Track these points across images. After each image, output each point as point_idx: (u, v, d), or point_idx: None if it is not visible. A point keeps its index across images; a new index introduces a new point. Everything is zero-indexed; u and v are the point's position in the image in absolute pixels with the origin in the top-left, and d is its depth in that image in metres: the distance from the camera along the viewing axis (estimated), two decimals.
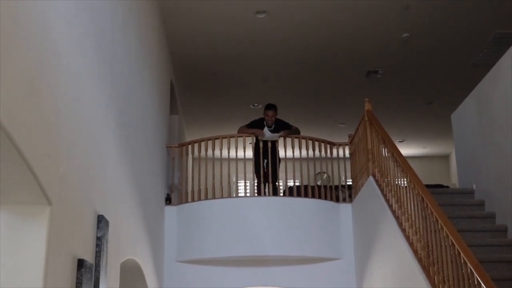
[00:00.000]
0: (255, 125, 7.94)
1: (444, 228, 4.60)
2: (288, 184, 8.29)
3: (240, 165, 7.59)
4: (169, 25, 7.56)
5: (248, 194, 8.53)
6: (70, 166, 2.95)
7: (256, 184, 7.96)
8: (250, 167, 7.81)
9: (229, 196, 7.75)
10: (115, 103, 4.21)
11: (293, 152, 7.73)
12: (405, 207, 5.55)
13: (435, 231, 4.81)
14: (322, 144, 7.91)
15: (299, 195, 7.57)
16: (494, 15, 7.37)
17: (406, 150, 12.55)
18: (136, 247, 5.13)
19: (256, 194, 7.96)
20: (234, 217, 7.28)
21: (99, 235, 3.51)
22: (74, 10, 3.07)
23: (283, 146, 7.75)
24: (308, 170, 7.71)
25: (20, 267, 2.54)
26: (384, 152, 6.37)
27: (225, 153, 7.75)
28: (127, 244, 4.66)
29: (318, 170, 7.91)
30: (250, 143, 8.00)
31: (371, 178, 6.69)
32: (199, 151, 7.73)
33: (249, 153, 7.88)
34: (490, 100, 6.76)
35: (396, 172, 5.89)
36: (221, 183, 7.64)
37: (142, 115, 5.59)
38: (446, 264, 4.57)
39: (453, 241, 4.44)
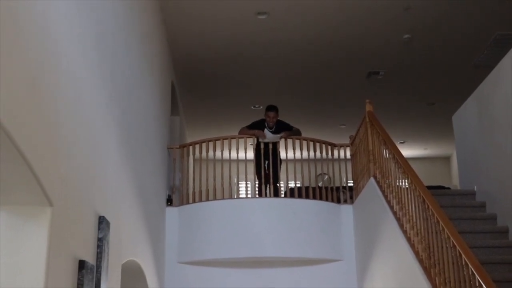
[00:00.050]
0: (256, 127, 7.94)
1: (445, 230, 4.59)
2: (289, 185, 8.28)
3: (241, 166, 7.58)
4: (170, 26, 7.57)
5: (249, 195, 8.53)
6: (71, 167, 2.95)
7: (257, 185, 7.96)
8: (251, 168, 7.80)
9: (230, 197, 7.73)
10: (116, 104, 4.20)
11: (294, 153, 7.73)
12: (406, 208, 5.54)
13: (436, 233, 4.80)
14: (323, 145, 7.90)
15: (300, 196, 7.56)
16: (495, 16, 7.36)
17: (407, 151, 12.54)
18: (137, 248, 5.13)
19: (257, 196, 7.95)
20: (235, 219, 7.27)
21: (100, 236, 3.50)
22: (75, 10, 3.07)
23: (284, 147, 7.75)
24: (309, 171, 7.70)
25: (21, 268, 2.53)
26: (385, 153, 6.36)
27: (226, 154, 7.76)
28: (128, 245, 4.65)
29: (319, 171, 7.90)
30: (251, 144, 7.99)
31: (372, 179, 6.69)
32: (200, 152, 7.73)
33: (250, 154, 7.88)
34: (491, 101, 6.75)
35: (397, 173, 5.88)
36: (222, 184, 7.64)
37: (143, 116, 5.59)
38: (448, 266, 4.56)
39: (454, 242, 4.44)
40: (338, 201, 7.72)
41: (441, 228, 4.69)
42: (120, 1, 4.43)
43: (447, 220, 4.69)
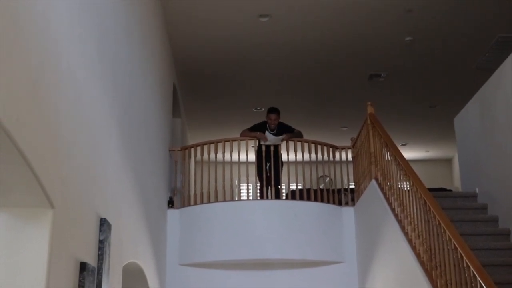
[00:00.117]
0: (258, 129, 7.94)
1: (447, 232, 4.59)
2: (291, 187, 8.27)
3: (243, 169, 7.58)
4: (172, 28, 7.57)
5: (250, 198, 8.54)
6: (72, 168, 2.95)
7: (258, 187, 7.95)
8: (253, 171, 7.80)
9: (232, 199, 7.71)
10: (117, 105, 4.20)
11: (295, 155, 7.72)
12: (408, 210, 5.53)
13: (437, 235, 4.80)
14: (325, 148, 7.90)
15: (301, 198, 7.56)
16: (497, 18, 7.36)
17: (408, 153, 12.53)
18: (138, 250, 5.13)
19: (258, 198, 7.95)
20: (237, 221, 7.27)
21: (101, 238, 3.50)
22: (76, 10, 3.06)
23: (285, 150, 7.74)
24: (311, 174, 7.70)
25: (21, 270, 2.53)
26: (387, 155, 6.36)
27: (227, 157, 7.75)
28: (130, 247, 4.65)
29: (320, 174, 7.89)
30: (252, 146, 7.99)
31: (373, 181, 6.68)
32: (202, 154, 7.73)
33: (252, 157, 7.87)
34: (493, 104, 6.74)
35: (399, 175, 5.88)
36: (223, 187, 7.64)
37: (144, 117, 5.59)
38: (449, 268, 4.55)
39: (455, 244, 4.43)
40: (340, 203, 7.72)
41: (442, 230, 4.68)
42: (121, 2, 4.43)
43: (448, 222, 4.68)
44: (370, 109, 7.15)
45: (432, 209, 4.89)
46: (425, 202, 5.05)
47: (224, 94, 9.97)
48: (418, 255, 5.12)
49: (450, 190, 9.36)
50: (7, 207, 2.59)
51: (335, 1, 7.01)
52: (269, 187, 7.57)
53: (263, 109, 9.40)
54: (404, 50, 8.25)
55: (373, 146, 6.89)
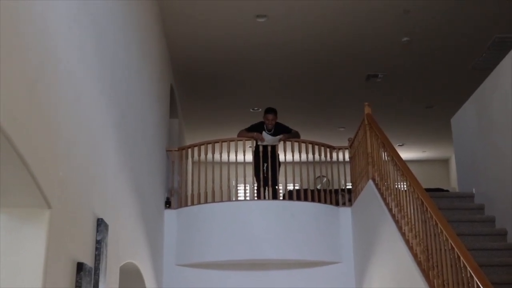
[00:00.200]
0: (255, 129, 7.94)
1: (444, 232, 4.59)
2: (288, 187, 8.28)
3: (240, 169, 7.58)
4: (169, 28, 7.57)
5: (248, 198, 8.52)
6: (69, 169, 2.95)
7: (256, 187, 7.96)
8: (250, 171, 7.81)
9: (229, 199, 7.72)
10: (115, 106, 4.21)
11: (293, 155, 7.73)
12: (405, 211, 5.54)
13: (434, 235, 4.81)
14: (322, 148, 7.91)
15: (298, 198, 7.57)
16: (494, 19, 7.37)
17: (405, 154, 12.55)
18: (135, 250, 5.13)
19: (256, 198, 7.95)
20: (234, 221, 7.27)
21: (98, 238, 3.50)
22: (74, 11, 3.07)
23: (283, 150, 7.75)
24: (308, 174, 7.70)
25: (19, 270, 2.53)
26: (384, 156, 6.36)
27: (225, 157, 7.75)
28: (127, 247, 4.65)
29: (318, 174, 7.90)
30: (250, 146, 7.99)
31: (370, 181, 6.69)
32: (199, 155, 7.73)
33: (249, 157, 7.88)
34: (490, 104, 6.76)
35: (396, 176, 5.89)
36: (221, 187, 7.64)
37: (142, 118, 5.59)
38: (446, 268, 4.56)
39: (452, 244, 4.44)
40: (337, 204, 7.73)
41: (439, 231, 4.69)
42: (119, 3, 4.43)
43: (445, 222, 4.69)
44: (367, 110, 7.16)
45: (429, 209, 4.90)
46: (422, 203, 5.05)
47: (222, 95, 9.96)
48: (415, 256, 5.13)
49: (447, 191, 9.38)
50: (4, 208, 2.59)
51: (333, 1, 7.01)
52: (267, 188, 7.57)
53: (260, 110, 9.40)
54: (402, 50, 8.26)
55: (370, 147, 6.90)
